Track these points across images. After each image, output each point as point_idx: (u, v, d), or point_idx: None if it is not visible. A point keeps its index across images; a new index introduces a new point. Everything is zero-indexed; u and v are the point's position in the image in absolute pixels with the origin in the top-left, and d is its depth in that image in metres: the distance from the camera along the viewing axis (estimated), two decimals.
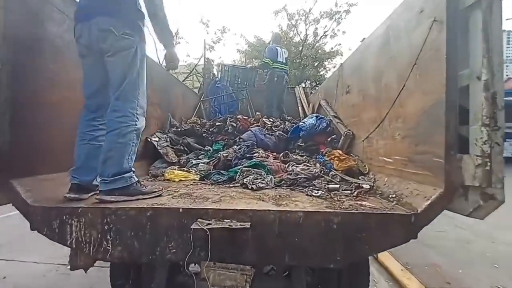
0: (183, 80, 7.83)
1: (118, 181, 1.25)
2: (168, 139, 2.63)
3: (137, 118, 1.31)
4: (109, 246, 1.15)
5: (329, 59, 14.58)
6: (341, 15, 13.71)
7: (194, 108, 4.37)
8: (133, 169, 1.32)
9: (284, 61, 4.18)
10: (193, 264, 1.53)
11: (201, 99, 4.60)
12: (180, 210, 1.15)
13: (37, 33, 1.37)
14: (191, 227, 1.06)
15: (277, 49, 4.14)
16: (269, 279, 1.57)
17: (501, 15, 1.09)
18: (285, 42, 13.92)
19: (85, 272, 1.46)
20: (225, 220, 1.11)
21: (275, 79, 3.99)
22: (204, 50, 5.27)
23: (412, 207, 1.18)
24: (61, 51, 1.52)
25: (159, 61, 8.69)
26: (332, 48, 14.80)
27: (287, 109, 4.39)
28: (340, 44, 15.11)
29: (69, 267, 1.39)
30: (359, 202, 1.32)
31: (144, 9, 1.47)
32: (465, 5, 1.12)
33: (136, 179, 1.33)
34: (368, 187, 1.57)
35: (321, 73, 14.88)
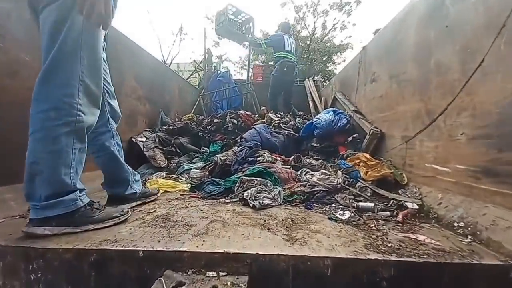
0: (188, 78, 7.36)
1: (55, 207, 0.84)
2: (158, 139, 2.24)
3: (80, 111, 0.88)
4: None
5: (339, 53, 13.91)
6: (351, 6, 12.96)
7: (193, 104, 3.96)
8: (79, 186, 0.91)
9: (291, 51, 3.68)
10: None
11: (201, 93, 4.19)
12: (140, 253, 0.74)
13: None
14: (156, 281, 0.66)
15: (283, 37, 3.66)
16: None
17: None
18: (293, 36, 13.61)
19: None
20: (208, 273, 0.70)
21: (285, 69, 3.52)
22: (204, 41, 4.84)
23: (504, 249, 0.74)
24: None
25: (163, 58, 8.30)
26: (341, 41, 14.06)
27: (296, 105, 3.92)
28: (350, 36, 14.15)
29: None
30: (413, 236, 0.89)
31: None
32: None
33: (86, 200, 0.92)
34: (416, 207, 1.13)
35: (330, 68, 14.34)
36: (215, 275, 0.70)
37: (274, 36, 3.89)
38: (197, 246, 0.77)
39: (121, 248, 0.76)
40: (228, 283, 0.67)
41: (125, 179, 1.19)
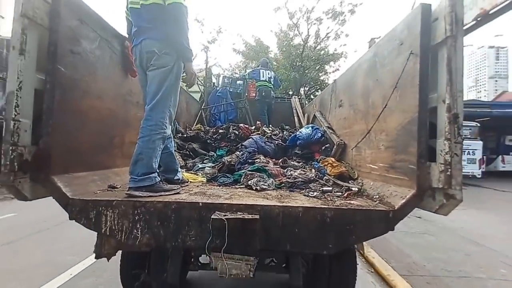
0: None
1: (145, 180, 1.46)
2: (175, 144, 2.84)
3: (166, 127, 1.54)
4: (138, 234, 1.35)
5: (332, 62, 13.67)
6: (345, 16, 12.59)
7: (196, 115, 4.59)
8: (157, 170, 1.54)
9: (267, 80, 5.20)
10: (204, 257, 1.74)
11: (202, 107, 4.83)
12: (200, 204, 1.37)
13: (74, 49, 1.58)
14: (212, 217, 1.28)
15: (259, 70, 5.26)
16: (270, 268, 1.78)
17: (462, 52, 1.38)
18: (285, 43, 13.10)
19: (108, 261, 1.65)
20: (238, 213, 1.34)
21: (263, 93, 5.06)
22: (206, 62, 5.54)
23: (391, 205, 1.43)
24: (93, 65, 1.73)
25: None
26: (335, 50, 13.77)
27: (283, 119, 4.73)
28: (345, 45, 14.10)
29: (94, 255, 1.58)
30: (348, 201, 1.57)
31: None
32: (434, 42, 1.41)
33: (159, 178, 1.55)
34: (357, 189, 1.83)
35: (322, 78, 14.03)
36: (242, 214, 1.34)
37: (253, 71, 5.56)
38: (230, 202, 1.41)
39: (189, 201, 1.38)
40: (250, 216, 1.30)
41: (175, 169, 1.81)
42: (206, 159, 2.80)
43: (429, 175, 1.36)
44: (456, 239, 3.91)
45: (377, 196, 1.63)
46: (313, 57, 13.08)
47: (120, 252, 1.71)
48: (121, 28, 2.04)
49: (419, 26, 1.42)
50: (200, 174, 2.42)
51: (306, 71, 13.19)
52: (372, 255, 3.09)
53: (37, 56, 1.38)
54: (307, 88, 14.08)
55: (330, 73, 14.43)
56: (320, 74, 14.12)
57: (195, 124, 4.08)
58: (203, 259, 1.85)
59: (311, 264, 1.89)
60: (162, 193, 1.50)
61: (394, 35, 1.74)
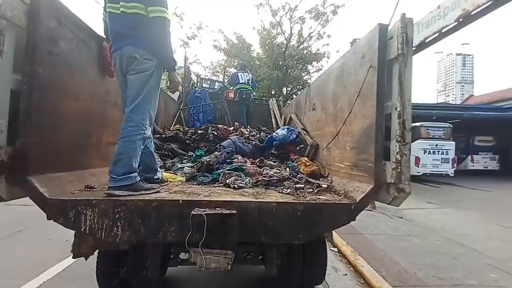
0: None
1: (126, 179, 1.50)
2: (154, 146, 2.85)
3: (146, 128, 1.60)
4: (118, 232, 1.40)
5: (315, 61, 13.54)
6: (327, 17, 12.51)
7: (174, 116, 4.58)
8: (137, 169, 1.59)
9: (246, 82, 5.41)
10: (183, 254, 1.82)
11: (180, 107, 4.83)
12: (180, 201, 1.45)
13: (53, 50, 1.58)
14: (192, 212, 1.37)
15: (237, 74, 5.47)
16: (247, 261, 1.90)
17: (411, 67, 1.61)
18: (268, 41, 12.85)
19: (86, 260, 1.67)
20: (217, 209, 1.44)
21: (243, 96, 5.29)
22: (184, 62, 5.53)
23: (353, 198, 1.63)
24: (71, 65, 1.74)
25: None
26: (318, 50, 13.64)
27: (261, 120, 4.89)
28: (328, 44, 13.87)
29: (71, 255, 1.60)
30: (317, 196, 1.74)
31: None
32: (390, 57, 1.62)
33: (139, 178, 1.60)
34: (326, 186, 2.01)
35: (305, 77, 13.88)
36: (220, 209, 1.44)
37: (231, 76, 5.71)
38: (209, 199, 1.51)
39: (170, 199, 1.46)
40: (228, 211, 1.41)
41: (155, 168, 1.87)
42: (185, 159, 2.85)
43: (384, 172, 1.57)
44: (440, 240, 3.93)
45: (343, 191, 1.82)
46: (296, 56, 12.91)
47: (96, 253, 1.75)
48: (97, 27, 2.05)
49: (377, 43, 1.63)
50: (179, 173, 2.48)
51: (289, 70, 13.02)
52: (360, 263, 2.97)
53: (14, 57, 1.38)
54: (289, 88, 14.04)
55: (312, 73, 14.24)
56: (303, 74, 13.94)
57: (173, 124, 4.09)
58: (183, 255, 1.93)
59: (285, 256, 2.04)
60: (143, 192, 1.55)
61: (358, 48, 1.96)
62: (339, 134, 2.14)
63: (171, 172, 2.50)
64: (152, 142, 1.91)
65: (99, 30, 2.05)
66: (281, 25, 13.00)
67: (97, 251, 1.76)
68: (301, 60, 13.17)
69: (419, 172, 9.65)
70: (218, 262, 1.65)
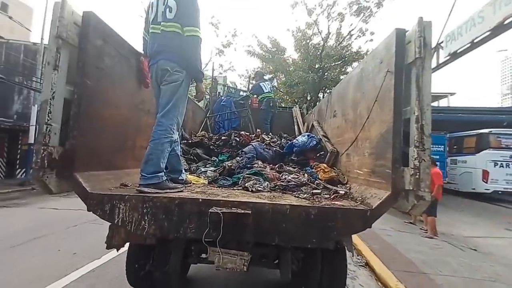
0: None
1: (154, 178, 1.68)
2: (180, 150, 3.07)
3: (173, 132, 1.79)
4: (146, 225, 1.55)
5: (356, 61, 11.79)
6: (371, 11, 10.97)
7: (201, 123, 4.85)
8: (164, 170, 1.76)
9: (270, 90, 5.68)
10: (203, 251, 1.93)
11: (207, 115, 5.10)
12: (200, 200, 1.57)
13: (99, 65, 1.85)
14: (209, 210, 1.47)
15: (259, 85, 5.69)
16: (262, 264, 1.95)
17: (430, 71, 1.58)
18: (303, 43, 12.00)
19: (117, 251, 1.86)
20: (233, 208, 1.53)
21: (271, 104, 5.45)
22: (212, 73, 5.86)
23: (369, 205, 1.61)
24: (113, 78, 2.00)
25: None
26: (360, 48, 12.10)
27: (285, 128, 4.96)
28: (372, 40, 11.81)
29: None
30: (333, 202, 1.75)
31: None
32: (407, 62, 1.62)
33: (165, 177, 1.77)
34: (343, 192, 2.00)
35: (342, 78, 12.68)
36: (236, 209, 1.53)
37: (254, 88, 6.00)
38: (226, 199, 1.61)
39: (190, 197, 1.59)
40: (243, 211, 1.50)
41: (180, 170, 2.03)
42: (209, 163, 3.01)
43: (402, 179, 1.54)
44: None
45: (360, 198, 1.81)
46: (334, 56, 11.59)
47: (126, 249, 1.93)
48: (136, 43, 2.33)
49: (394, 47, 1.64)
50: (203, 176, 2.63)
51: (326, 73, 11.88)
52: None
53: (67, 71, 1.65)
54: (327, 92, 12.77)
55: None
56: (341, 76, 12.11)
57: (200, 131, 4.33)
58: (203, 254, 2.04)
59: (301, 262, 2.05)
60: (168, 191, 1.71)
61: (376, 53, 1.96)
62: (358, 140, 2.12)
63: (195, 175, 2.67)
64: (179, 145, 2.09)
65: (137, 46, 2.33)
66: (318, 24, 11.82)
67: (127, 245, 1.95)
68: (340, 62, 11.82)
69: (488, 189, 8.26)
70: (235, 262, 1.73)
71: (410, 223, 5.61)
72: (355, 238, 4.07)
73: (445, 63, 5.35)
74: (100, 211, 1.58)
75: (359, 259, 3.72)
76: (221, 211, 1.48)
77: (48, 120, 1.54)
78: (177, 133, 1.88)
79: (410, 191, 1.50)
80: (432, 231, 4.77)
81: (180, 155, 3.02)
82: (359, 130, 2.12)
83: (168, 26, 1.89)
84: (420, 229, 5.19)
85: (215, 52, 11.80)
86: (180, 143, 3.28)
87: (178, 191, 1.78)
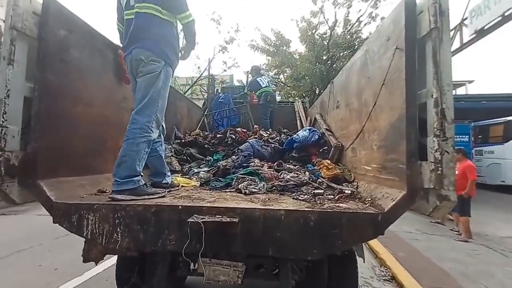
0: (186, 92, 8.32)
1: (128, 183, 1.46)
2: (173, 150, 2.86)
3: (151, 131, 1.56)
4: (118, 238, 1.34)
5: None
6: None
7: (198, 121, 4.64)
8: (141, 173, 1.54)
9: (267, 85, 5.40)
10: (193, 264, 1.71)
11: (204, 113, 4.88)
12: (180, 207, 1.35)
13: (64, 58, 1.64)
14: (188, 220, 1.25)
15: (256, 80, 5.41)
16: (259, 275, 1.71)
17: (449, 44, 1.30)
18: (309, 33, 11.47)
19: (96, 265, 1.66)
20: (217, 216, 1.30)
21: (268, 98, 5.20)
22: (208, 69, 5.64)
23: (381, 207, 1.35)
24: (84, 72, 1.79)
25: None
26: (370, 34, 11.22)
27: (287, 124, 4.68)
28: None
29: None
30: (337, 204, 1.50)
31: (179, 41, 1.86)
32: (420, 35, 1.34)
33: (143, 182, 1.55)
34: (350, 192, 1.74)
35: None
36: (221, 217, 1.30)
37: (251, 83, 5.68)
38: (210, 205, 1.38)
39: (169, 204, 1.36)
40: (228, 219, 1.27)
41: (163, 172, 1.82)
42: (203, 163, 2.79)
43: (420, 175, 1.28)
44: None
45: (369, 199, 1.55)
46: (343, 44, 10.98)
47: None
48: (114, 37, 2.11)
49: (403, 20, 1.37)
50: (195, 178, 2.41)
51: (334, 64, 11.28)
52: None
53: (27, 65, 1.44)
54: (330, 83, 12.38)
55: None
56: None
57: (197, 129, 4.11)
58: (193, 265, 1.82)
59: (305, 271, 1.81)
60: (145, 197, 1.49)
61: (382, 31, 1.69)
62: (364, 131, 1.86)
63: (187, 176, 2.45)
64: (162, 145, 1.88)
65: (115, 39, 2.12)
66: (323, 12, 11.14)
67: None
68: (349, 50, 11.10)
69: None
70: (228, 274, 1.51)
71: (438, 223, 5.00)
72: (375, 243, 3.72)
73: (470, 42, 4.79)
74: (66, 222, 1.38)
75: (382, 270, 3.22)
76: (202, 220, 1.25)
77: (3, 121, 1.34)
78: (157, 131, 1.65)
79: (431, 190, 1.24)
80: (467, 234, 4.23)
81: (172, 156, 2.81)
82: (365, 120, 1.85)
83: (143, 7, 1.67)
84: (451, 230, 4.65)
85: (218, 49, 11.47)
86: (172, 143, 3.08)
87: (159, 197, 1.56)
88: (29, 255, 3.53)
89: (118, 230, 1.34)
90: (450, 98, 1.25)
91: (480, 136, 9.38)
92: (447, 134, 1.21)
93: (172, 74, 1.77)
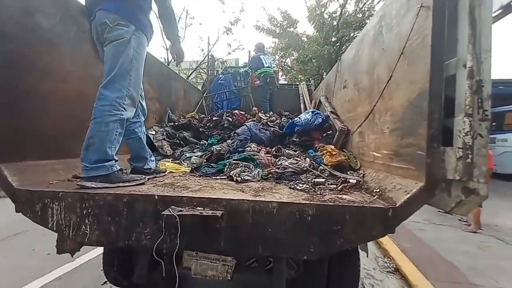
0: (188, 76, 8.00)
1: (99, 169, 1.27)
2: (165, 133, 2.67)
3: (124, 108, 1.34)
4: (87, 230, 1.18)
5: None
6: None
7: (196, 104, 4.41)
8: (115, 157, 1.35)
9: (269, 65, 5.03)
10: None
11: (203, 95, 4.63)
12: (156, 197, 1.16)
13: (29, 26, 1.41)
14: (163, 213, 1.07)
15: (260, 57, 4.98)
16: (250, 270, 1.55)
17: None
18: (318, 12, 10.88)
19: (72, 256, 1.51)
20: (198, 208, 1.11)
21: (268, 80, 4.81)
22: (208, 47, 5.30)
23: (391, 201, 1.14)
24: (54, 43, 1.56)
25: (167, 58, 8.93)
26: None
27: (290, 107, 4.41)
28: None
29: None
30: (340, 196, 1.29)
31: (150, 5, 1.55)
32: None
33: (118, 167, 1.36)
34: (355, 181, 1.53)
35: None
36: (202, 209, 1.11)
37: (254, 61, 5.16)
38: (192, 195, 1.19)
39: (143, 193, 1.18)
40: (210, 213, 1.08)
41: (144, 157, 1.62)
42: (197, 148, 2.60)
43: (443, 164, 1.05)
44: None
45: (378, 190, 1.33)
46: (354, 24, 10.29)
47: None
48: None
49: None
50: (186, 164, 2.23)
51: (344, 46, 10.66)
52: None
53: None
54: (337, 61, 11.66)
55: None
56: None
57: (194, 112, 3.89)
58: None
59: (302, 267, 1.64)
60: (120, 184, 1.31)
61: None
62: (374, 112, 1.61)
63: (177, 162, 2.27)
64: (142, 126, 1.66)
65: None
66: None
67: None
68: (360, 30, 10.74)
69: None
70: (216, 269, 1.35)
71: (446, 212, 4.85)
72: None
73: (495, 19, 4.35)
74: (30, 212, 1.22)
75: (386, 262, 3.06)
76: (180, 213, 1.06)
77: None
78: (132, 109, 1.43)
79: (456, 182, 1.01)
80: (476, 225, 4.00)
81: (164, 139, 2.62)
82: (376, 99, 1.60)
83: None
84: (459, 220, 4.43)
85: (222, 30, 10.84)
86: (165, 126, 2.88)
87: (136, 184, 1.38)
88: (25, 239, 3.48)
89: (87, 221, 1.18)
90: (489, 68, 0.99)
91: (493, 124, 8.89)
92: (484, 113, 0.96)
93: (148, 44, 1.51)
